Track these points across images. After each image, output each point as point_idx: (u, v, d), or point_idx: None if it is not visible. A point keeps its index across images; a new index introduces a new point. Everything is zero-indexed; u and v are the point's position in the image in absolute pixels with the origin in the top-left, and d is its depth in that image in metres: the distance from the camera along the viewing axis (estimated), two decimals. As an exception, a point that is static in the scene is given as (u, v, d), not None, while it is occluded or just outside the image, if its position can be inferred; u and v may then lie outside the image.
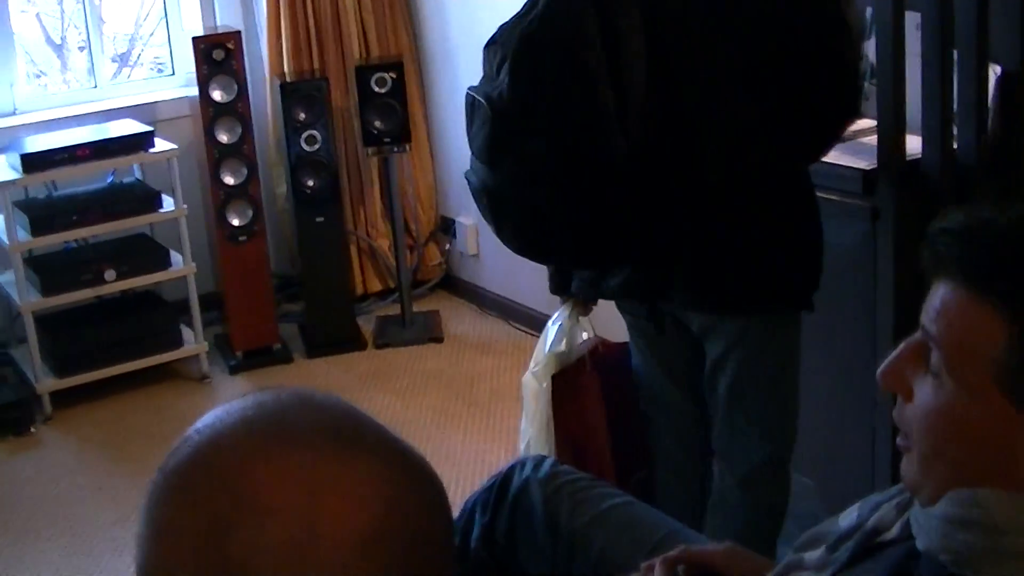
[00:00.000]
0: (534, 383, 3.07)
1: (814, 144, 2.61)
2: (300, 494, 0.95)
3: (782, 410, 2.87)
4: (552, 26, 2.48)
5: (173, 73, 6.02)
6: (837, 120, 2.58)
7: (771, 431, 2.87)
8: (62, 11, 6.08)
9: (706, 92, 2.48)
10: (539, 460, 2.53)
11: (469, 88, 2.64)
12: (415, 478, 1.03)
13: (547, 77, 2.49)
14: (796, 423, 2.90)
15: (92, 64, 5.84)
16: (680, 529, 2.33)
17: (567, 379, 3.08)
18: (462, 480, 4.29)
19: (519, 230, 2.65)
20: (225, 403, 1.04)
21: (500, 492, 2.49)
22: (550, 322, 3.15)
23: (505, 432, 4.64)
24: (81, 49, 6.03)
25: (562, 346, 3.09)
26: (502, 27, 2.57)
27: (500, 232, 2.68)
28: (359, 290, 5.89)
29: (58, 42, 6.17)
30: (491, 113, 2.53)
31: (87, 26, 5.82)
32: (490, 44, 2.58)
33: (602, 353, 3.12)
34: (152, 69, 6.18)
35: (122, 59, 6.14)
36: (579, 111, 2.46)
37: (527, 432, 3.10)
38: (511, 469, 2.52)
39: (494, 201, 2.62)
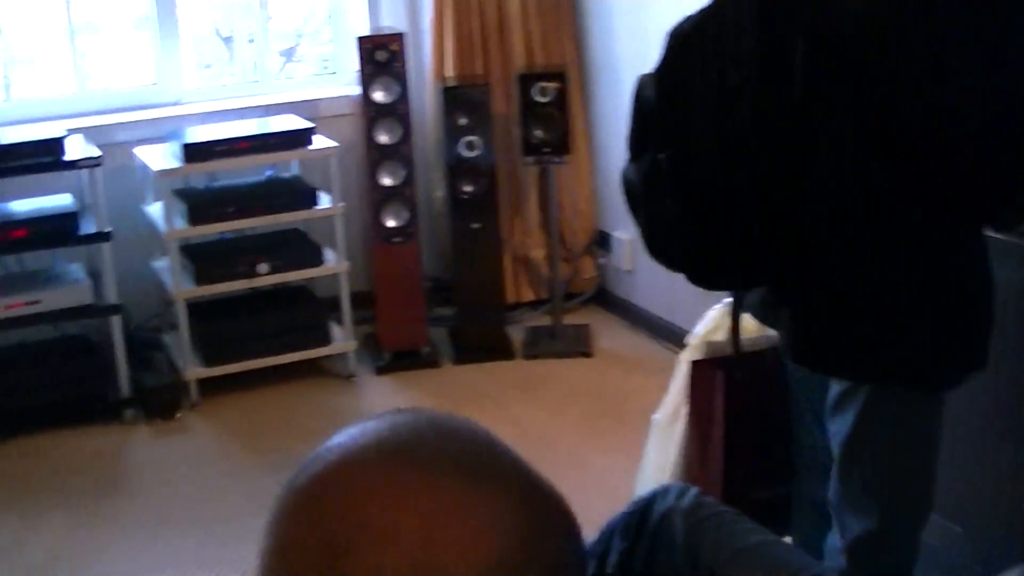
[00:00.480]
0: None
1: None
2: (423, 521, 0.94)
3: (906, 478, 2.60)
4: (706, 32, 2.36)
5: (336, 72, 6.06)
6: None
7: (889, 499, 2.59)
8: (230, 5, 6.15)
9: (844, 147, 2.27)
10: (683, 489, 2.45)
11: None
12: (548, 513, 1.01)
13: (686, 84, 2.37)
14: (927, 492, 2.62)
15: (258, 58, 5.90)
16: (822, 573, 2.23)
17: (703, 370, 3.00)
18: (602, 498, 4.21)
19: (644, 228, 2.55)
20: (360, 421, 1.05)
21: (641, 519, 2.43)
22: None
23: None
24: (250, 42, 6.10)
25: (717, 335, 3.00)
26: (686, 17, 2.46)
27: (636, 225, 2.58)
28: (510, 299, 5.85)
29: (227, 35, 6.24)
30: (635, 105, 2.45)
31: (256, 21, 5.88)
32: (670, 32, 2.47)
33: (747, 355, 2.93)
34: (317, 67, 6.22)
35: (288, 55, 6.18)
36: (709, 127, 2.33)
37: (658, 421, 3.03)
38: (654, 496, 2.46)
39: (628, 194, 2.53)
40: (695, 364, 3.06)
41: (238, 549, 4.06)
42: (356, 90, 5.42)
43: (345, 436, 1.03)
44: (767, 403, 2.96)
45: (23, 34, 5.89)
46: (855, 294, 2.38)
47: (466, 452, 1.01)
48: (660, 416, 3.32)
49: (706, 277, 2.56)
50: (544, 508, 1.01)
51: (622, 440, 4.65)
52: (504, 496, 0.98)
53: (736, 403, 2.98)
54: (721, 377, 3.00)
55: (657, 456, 3.14)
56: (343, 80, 5.97)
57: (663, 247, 2.54)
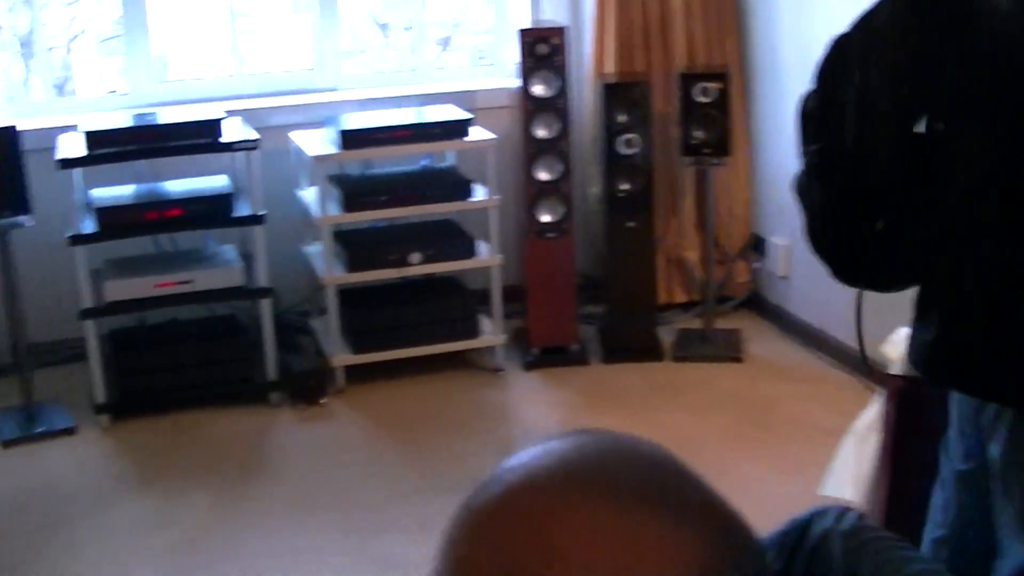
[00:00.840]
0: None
1: None
2: (620, 552, 0.90)
3: None
4: (862, 42, 2.31)
5: (493, 63, 6.04)
6: None
7: None
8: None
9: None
10: (843, 511, 2.35)
11: None
12: (738, 548, 0.97)
13: (837, 82, 2.33)
14: None
15: (414, 46, 5.89)
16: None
17: (900, 386, 2.92)
18: (748, 508, 4.12)
19: (805, 224, 2.51)
20: (541, 441, 0.99)
21: (798, 539, 2.34)
22: None
23: (798, 464, 4.45)
24: (407, 29, 6.10)
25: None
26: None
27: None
28: (661, 299, 5.77)
29: (383, 22, 6.24)
30: (799, 105, 2.42)
31: (413, 9, 5.89)
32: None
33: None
34: (472, 56, 6.19)
35: (443, 43, 6.17)
36: (851, 125, 2.31)
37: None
38: (811, 516, 2.36)
39: (796, 189, 2.50)
40: (893, 379, 2.97)
41: (380, 539, 4.05)
42: (514, 82, 5.38)
43: (527, 456, 0.97)
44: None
45: (182, 16, 5.94)
46: (995, 313, 2.30)
47: (659, 480, 0.97)
48: (859, 424, 3.24)
49: (844, 271, 2.51)
50: (738, 544, 0.97)
51: (770, 449, 4.57)
52: (701, 530, 0.94)
53: (923, 424, 2.89)
54: (911, 395, 2.92)
55: (850, 464, 3.05)
56: (500, 71, 5.94)
57: (811, 238, 2.50)
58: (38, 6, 5.66)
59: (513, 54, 5.35)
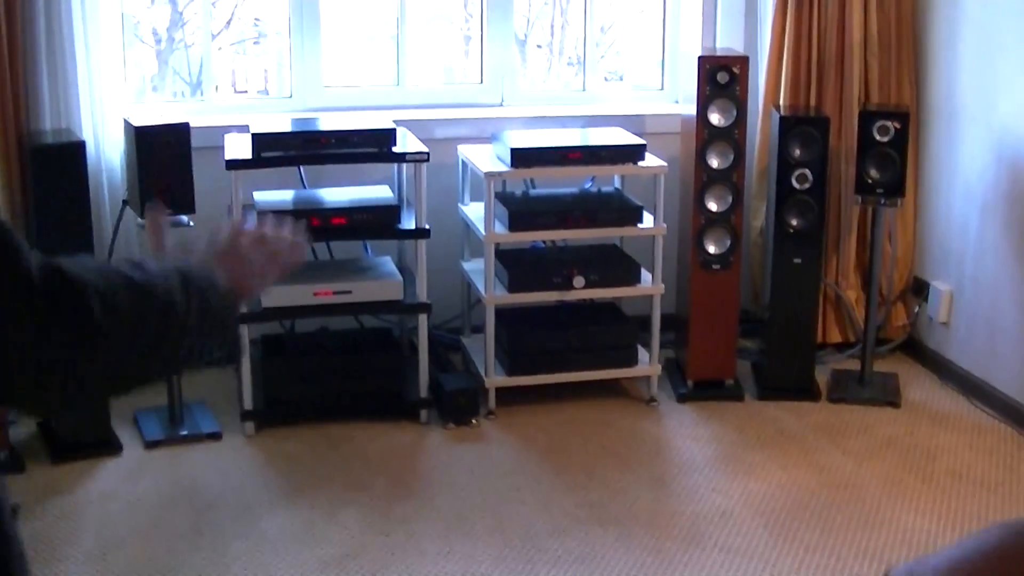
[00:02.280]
0: None
1: None
2: None
3: None
4: None
5: (663, 88, 5.95)
6: None
7: None
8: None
9: None
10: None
11: None
12: None
13: None
14: None
15: (582, 68, 5.82)
16: None
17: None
18: (909, 559, 4.01)
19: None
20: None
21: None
22: None
23: (961, 516, 4.32)
24: (539, 47, 6.04)
25: None
26: None
27: None
28: (818, 338, 5.64)
29: (522, 37, 6.18)
30: None
31: (583, 31, 5.82)
32: None
33: None
34: (606, 78, 6.10)
35: (580, 63, 6.08)
36: None
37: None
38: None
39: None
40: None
41: (535, 569, 3.95)
42: (686, 109, 5.28)
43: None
44: None
45: (348, 22, 5.90)
46: None
47: None
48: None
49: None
50: None
51: (930, 500, 4.44)
52: None
53: None
54: None
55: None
56: (670, 97, 5.85)
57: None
58: (181, 2, 5.66)
59: (682, 80, 5.25)
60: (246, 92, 6.03)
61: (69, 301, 1.38)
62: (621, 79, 6.32)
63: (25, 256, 1.35)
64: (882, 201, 5.16)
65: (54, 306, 1.36)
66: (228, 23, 5.92)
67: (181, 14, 5.76)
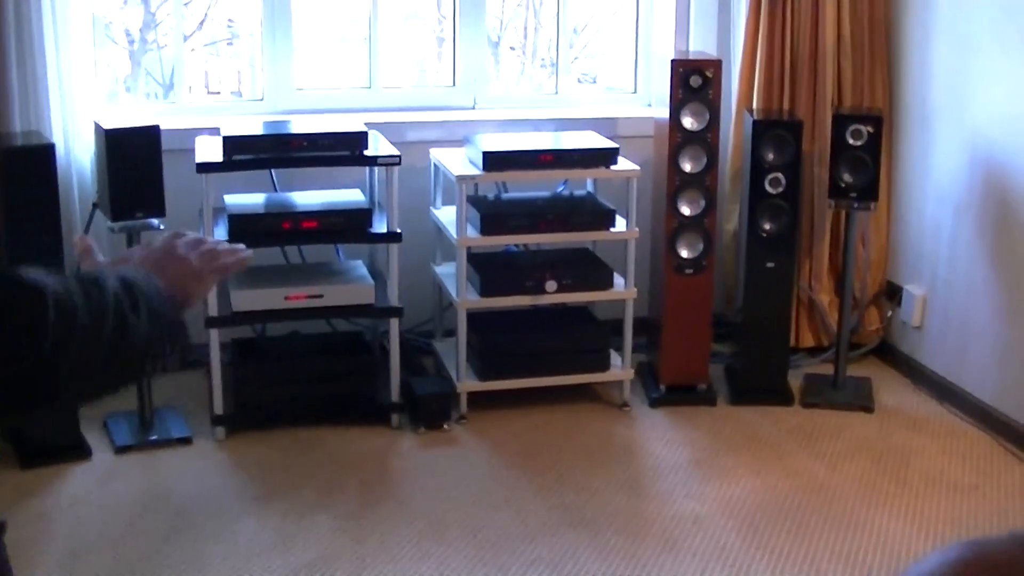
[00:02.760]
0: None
1: None
2: None
3: None
4: None
5: (636, 91, 5.94)
6: None
7: None
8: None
9: None
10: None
11: None
12: None
13: None
14: None
15: (554, 71, 5.80)
16: None
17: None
18: (885, 564, 4.02)
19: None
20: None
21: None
22: None
23: (935, 520, 4.32)
24: (512, 49, 6.03)
25: None
26: None
27: None
28: (791, 343, 5.63)
29: (495, 39, 6.17)
30: None
31: (556, 35, 5.81)
32: None
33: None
34: (579, 80, 6.09)
35: (553, 66, 6.07)
36: None
37: None
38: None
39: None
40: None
41: (508, 574, 3.93)
42: (658, 112, 5.27)
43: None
44: None
45: (319, 24, 5.88)
46: None
47: None
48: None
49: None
50: None
51: (905, 504, 4.43)
52: None
53: None
54: None
55: None
56: (642, 100, 5.84)
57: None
58: (154, 3, 5.63)
59: (654, 83, 5.24)
60: (219, 93, 6.00)
61: (25, 308, 1.36)
62: (595, 81, 6.30)
63: None
64: (855, 205, 5.15)
65: (8, 313, 1.35)
66: (201, 24, 5.89)
67: (154, 15, 5.73)
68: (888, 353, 5.79)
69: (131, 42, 5.85)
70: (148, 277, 1.60)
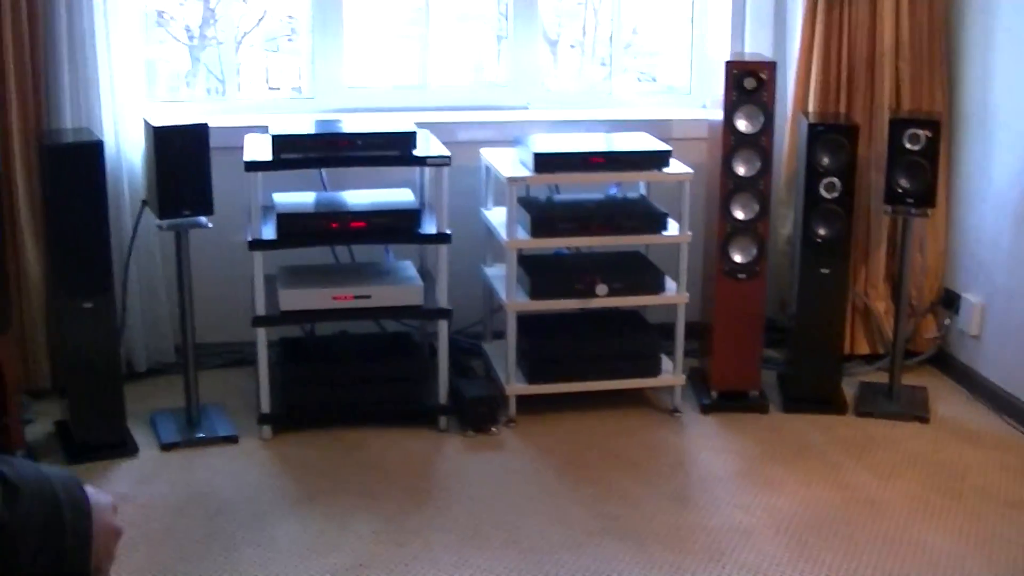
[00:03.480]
0: None
1: None
2: None
3: None
4: None
5: (690, 92, 5.87)
6: None
7: None
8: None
9: None
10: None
11: None
12: None
13: None
14: None
15: (609, 71, 5.74)
16: None
17: None
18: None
19: None
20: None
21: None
22: None
23: (990, 538, 4.21)
24: (571, 47, 5.97)
25: None
26: None
27: None
28: (845, 350, 5.54)
29: (553, 37, 6.12)
30: None
31: (611, 35, 5.75)
32: None
33: None
34: (638, 79, 6.02)
35: (609, 65, 6.00)
36: None
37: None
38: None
39: None
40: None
41: (553, 583, 3.89)
42: (712, 114, 5.20)
43: None
44: None
45: (370, 21, 5.84)
46: None
47: None
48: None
49: None
50: None
51: (959, 520, 4.33)
52: None
53: None
54: None
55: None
56: (696, 102, 5.78)
57: None
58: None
59: (709, 85, 5.18)
60: (279, 89, 5.97)
61: None
62: (654, 80, 6.23)
63: None
64: (912, 211, 5.07)
65: None
66: (260, 20, 5.86)
67: (213, 11, 5.70)
68: (944, 362, 5.69)
69: (191, 38, 5.83)
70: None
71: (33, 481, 1.52)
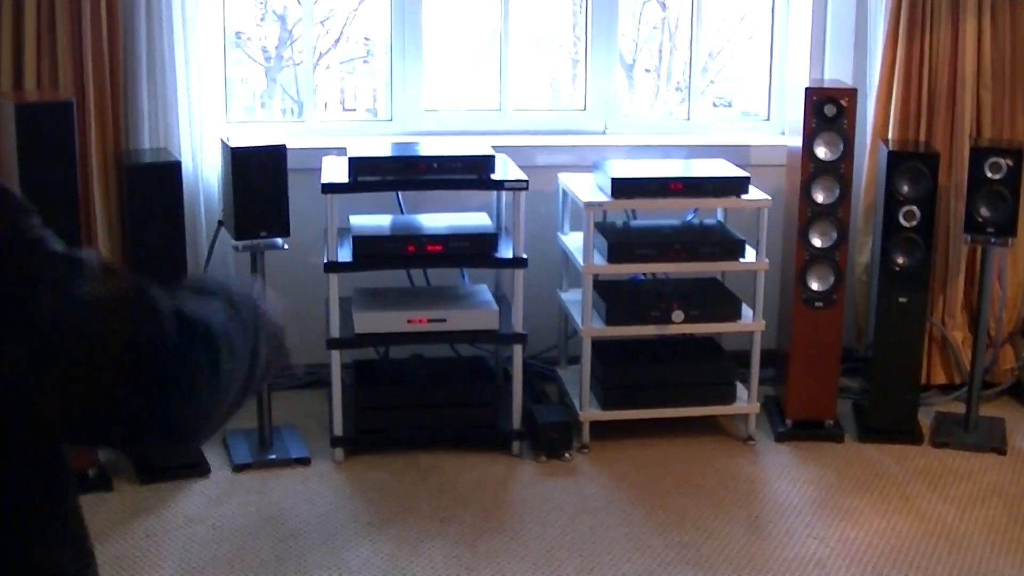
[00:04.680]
0: None
1: None
2: None
3: None
4: None
5: (768, 118, 5.84)
6: None
7: None
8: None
9: None
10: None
11: None
12: None
13: None
14: None
15: (688, 96, 5.73)
16: None
17: None
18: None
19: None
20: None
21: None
22: None
23: (1071, 573, 4.17)
24: (647, 72, 5.95)
25: None
26: None
27: None
28: (922, 380, 5.48)
29: (629, 62, 6.10)
30: None
31: (690, 61, 5.74)
32: None
33: None
34: (714, 104, 5.99)
35: (686, 90, 5.98)
36: None
37: None
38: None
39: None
40: None
41: (626, 613, 3.86)
42: (791, 141, 5.17)
43: None
44: None
45: (452, 45, 5.86)
46: None
47: None
48: None
49: None
50: None
51: (1038, 555, 4.27)
52: None
53: None
54: None
55: None
56: (775, 128, 5.74)
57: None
58: (291, 20, 5.62)
59: (788, 111, 5.14)
60: (354, 111, 6.00)
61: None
62: (730, 105, 6.21)
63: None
64: (992, 240, 5.00)
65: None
66: (336, 42, 5.89)
67: (290, 32, 5.74)
68: (1023, 394, 5.61)
69: (267, 59, 5.86)
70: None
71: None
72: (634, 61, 6.17)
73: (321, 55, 5.66)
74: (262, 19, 5.75)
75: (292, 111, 5.79)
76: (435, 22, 5.63)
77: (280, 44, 5.86)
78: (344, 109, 6.01)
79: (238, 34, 5.71)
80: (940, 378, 5.63)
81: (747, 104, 6.16)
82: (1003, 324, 5.56)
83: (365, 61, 6.03)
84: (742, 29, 6.11)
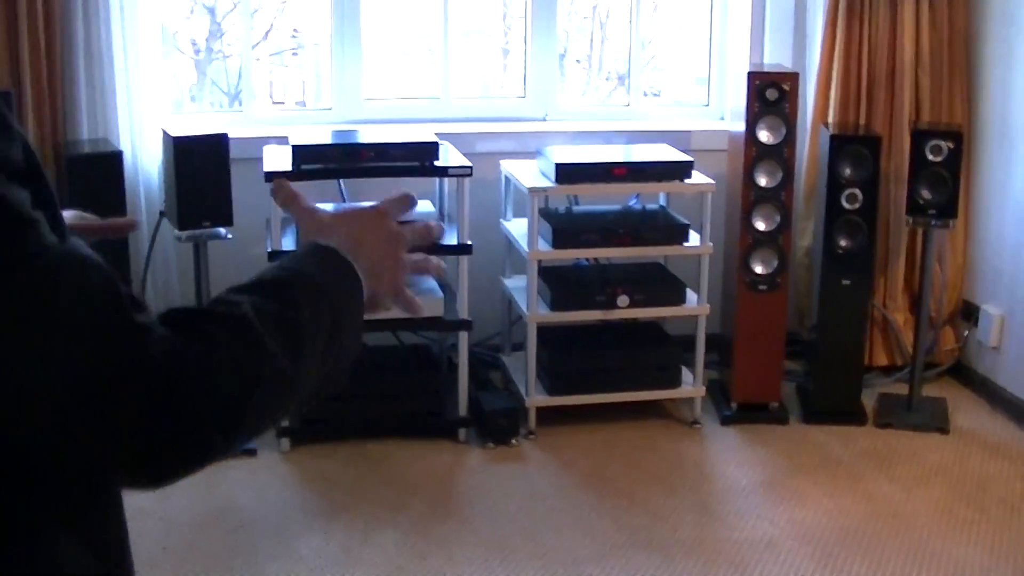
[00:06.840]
0: None
1: None
2: None
3: None
4: None
5: (708, 104, 5.85)
6: None
7: None
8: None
9: None
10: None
11: None
12: None
13: None
14: None
15: (626, 83, 5.72)
16: None
17: None
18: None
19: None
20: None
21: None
22: None
23: (1016, 549, 4.19)
24: (577, 62, 5.94)
25: None
26: None
27: None
28: (865, 362, 5.51)
29: (560, 52, 6.13)
30: None
31: (628, 47, 5.74)
32: None
33: None
34: (644, 94, 6.01)
35: (619, 80, 5.99)
36: None
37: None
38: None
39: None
40: None
41: (579, 597, 3.86)
42: (732, 126, 5.18)
43: None
44: None
45: (387, 33, 5.83)
46: None
47: None
48: None
49: None
50: None
51: (983, 533, 4.30)
52: None
53: None
54: None
55: None
56: (714, 114, 5.76)
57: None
58: (220, 13, 5.59)
59: (728, 96, 5.16)
60: (283, 104, 5.96)
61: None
62: (659, 95, 6.21)
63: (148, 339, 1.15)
64: (934, 222, 5.04)
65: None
66: (266, 34, 5.85)
67: (220, 25, 5.70)
68: (964, 374, 5.66)
69: (197, 52, 5.82)
70: (347, 278, 1.42)
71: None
72: (565, 51, 6.16)
73: (254, 46, 5.62)
74: (191, 12, 5.70)
75: (222, 104, 5.74)
76: (373, 11, 5.60)
77: (210, 36, 5.81)
78: (273, 102, 5.96)
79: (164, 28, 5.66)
80: (882, 360, 5.68)
81: (676, 94, 6.18)
82: (944, 306, 5.61)
83: (294, 53, 5.99)
84: (674, 18, 6.12)
